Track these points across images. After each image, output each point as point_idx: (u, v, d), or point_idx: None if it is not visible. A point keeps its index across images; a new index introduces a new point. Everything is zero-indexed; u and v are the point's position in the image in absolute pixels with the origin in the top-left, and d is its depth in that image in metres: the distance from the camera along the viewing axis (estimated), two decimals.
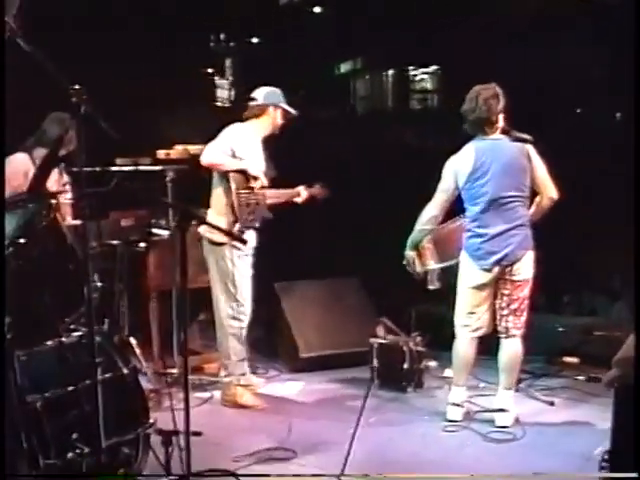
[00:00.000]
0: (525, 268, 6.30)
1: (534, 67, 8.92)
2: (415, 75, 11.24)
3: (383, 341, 7.51)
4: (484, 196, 6.23)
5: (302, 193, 7.26)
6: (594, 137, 9.04)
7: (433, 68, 11.07)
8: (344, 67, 11.55)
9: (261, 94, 6.98)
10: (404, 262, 6.59)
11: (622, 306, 8.77)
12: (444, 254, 6.56)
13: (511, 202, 6.23)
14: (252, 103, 6.99)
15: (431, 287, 6.64)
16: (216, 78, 10.78)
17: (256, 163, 6.88)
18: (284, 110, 6.98)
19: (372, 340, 7.50)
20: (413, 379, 7.34)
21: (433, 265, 6.60)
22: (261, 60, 10.27)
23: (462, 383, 6.52)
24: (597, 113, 9.55)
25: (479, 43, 9.23)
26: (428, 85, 11.21)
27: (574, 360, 8.00)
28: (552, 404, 6.94)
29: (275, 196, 7.05)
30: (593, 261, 8.71)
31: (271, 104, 6.94)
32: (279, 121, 6.99)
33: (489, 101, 6.20)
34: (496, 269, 6.27)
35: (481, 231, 6.26)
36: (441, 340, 6.95)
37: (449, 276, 6.47)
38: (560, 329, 8.36)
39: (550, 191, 6.32)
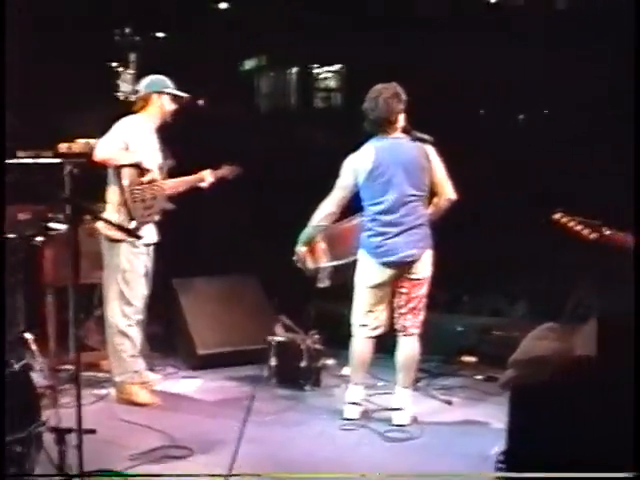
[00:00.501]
0: (424, 267, 6.33)
1: (438, 67, 8.98)
2: (319, 73, 11.24)
3: (281, 339, 7.49)
4: (383, 195, 6.23)
5: (207, 177, 7.16)
6: (496, 138, 9.14)
7: (337, 66, 11.08)
8: (248, 64, 11.50)
9: (143, 84, 6.92)
10: (294, 258, 6.56)
11: (521, 306, 8.88)
12: (337, 252, 6.56)
13: (410, 201, 6.25)
14: (137, 95, 6.93)
15: (321, 285, 6.62)
16: (120, 71, 10.64)
17: (151, 155, 6.80)
18: (173, 96, 6.90)
19: (270, 338, 7.48)
20: (311, 377, 7.33)
21: (325, 263, 6.59)
22: (166, 55, 10.17)
23: (360, 382, 6.52)
24: (501, 114, 9.65)
25: (383, 42, 9.26)
26: (332, 83, 11.21)
27: (472, 359, 8.07)
28: (450, 403, 6.98)
29: (176, 186, 6.96)
30: (493, 261, 8.78)
31: (153, 92, 6.87)
32: (168, 108, 6.89)
33: (389, 100, 6.22)
34: (395, 268, 6.29)
35: (381, 230, 6.26)
36: (339, 338, 6.93)
37: (347, 274, 6.46)
38: (459, 328, 8.42)
39: (448, 192, 6.36)
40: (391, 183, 6.23)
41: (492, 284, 10.75)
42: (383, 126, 6.28)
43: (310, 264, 6.57)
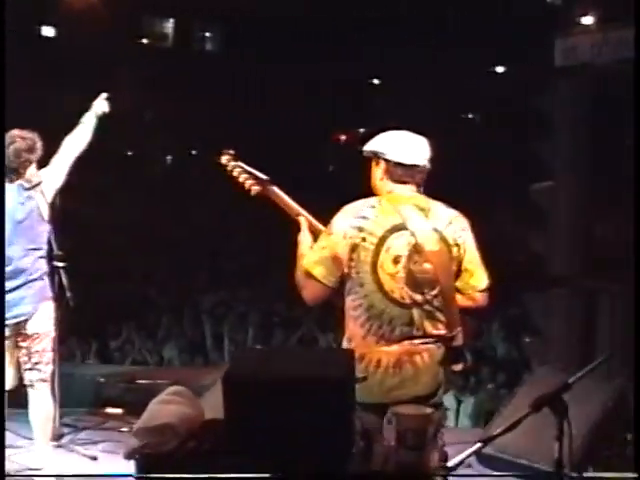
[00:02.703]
0: (40, 321, 6.11)
1: None
2: None
3: None
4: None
5: None
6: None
7: None
8: None
9: None
10: None
11: (168, 352, 8.70)
12: None
13: (24, 256, 6.05)
14: None
15: None
16: None
17: None
18: None
19: None
20: None
21: None
22: None
23: None
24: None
25: None
26: None
27: (117, 411, 7.77)
28: (95, 459, 6.63)
29: None
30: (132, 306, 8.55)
31: None
32: None
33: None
34: (12, 322, 6.02)
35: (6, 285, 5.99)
36: None
37: None
38: (101, 379, 8.15)
39: None
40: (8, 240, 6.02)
41: (136, 328, 10.52)
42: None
43: None
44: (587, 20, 11.12)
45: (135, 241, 18.23)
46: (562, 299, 8.63)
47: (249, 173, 5.07)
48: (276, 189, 5.06)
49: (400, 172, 4.75)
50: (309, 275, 4.71)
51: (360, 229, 4.64)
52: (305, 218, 5.00)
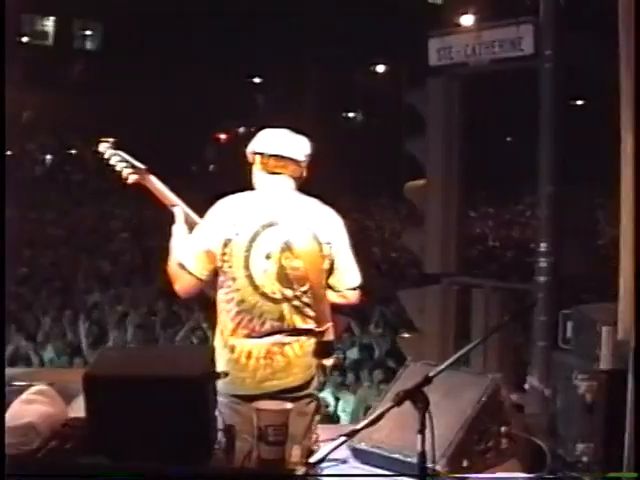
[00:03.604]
0: None
1: None
2: None
3: None
4: None
5: None
6: None
7: None
8: None
9: None
10: None
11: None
12: None
13: None
14: None
15: None
16: None
17: None
18: None
19: None
20: None
21: None
22: None
23: None
24: None
25: None
26: None
27: None
28: None
29: None
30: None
31: None
32: None
33: None
34: None
35: None
36: None
37: None
38: None
39: None
40: None
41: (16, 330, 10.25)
42: None
43: None
44: (462, 20, 11.31)
45: (13, 242, 17.81)
46: (437, 295, 8.75)
47: (127, 162, 5.02)
48: (153, 178, 5.03)
49: (273, 163, 4.79)
50: (182, 267, 4.72)
51: (233, 224, 4.66)
52: (181, 209, 4.99)
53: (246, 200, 4.77)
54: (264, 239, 4.69)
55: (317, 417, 4.96)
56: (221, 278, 4.74)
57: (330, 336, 4.82)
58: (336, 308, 4.90)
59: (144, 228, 21.88)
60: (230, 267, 4.69)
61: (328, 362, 4.91)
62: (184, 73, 30.34)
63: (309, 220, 4.76)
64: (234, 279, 4.70)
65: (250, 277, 4.69)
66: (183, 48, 29.97)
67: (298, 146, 4.85)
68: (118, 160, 5.02)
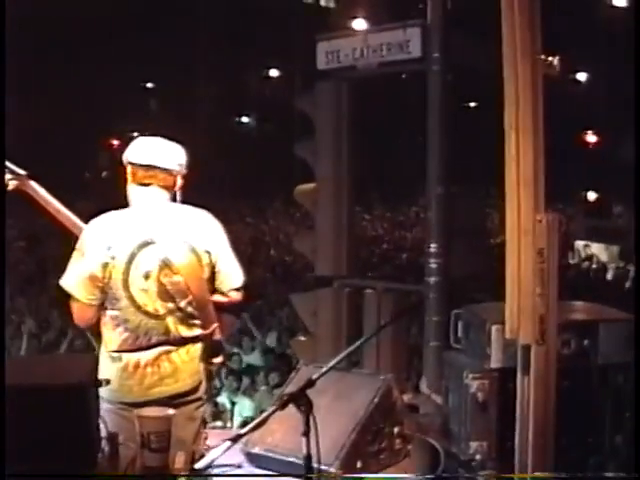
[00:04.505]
0: None
1: None
2: None
3: None
4: None
5: None
6: None
7: None
8: None
9: None
10: None
11: None
12: None
13: None
14: None
15: None
16: None
17: None
18: None
19: None
20: None
21: None
22: None
23: None
24: None
25: None
26: None
27: None
28: None
29: None
30: None
31: None
32: None
33: None
34: None
35: None
36: None
37: None
38: None
39: None
40: None
41: None
42: None
43: None
44: (352, 24, 11.34)
45: None
46: (329, 298, 8.75)
47: (5, 167, 4.87)
48: (34, 184, 4.91)
49: (142, 174, 4.73)
50: (72, 297, 4.67)
51: (109, 248, 4.59)
52: (65, 216, 4.89)
53: (119, 219, 4.68)
54: (141, 259, 4.63)
55: (207, 422, 4.95)
56: (107, 298, 4.67)
57: (217, 336, 4.81)
58: (222, 308, 4.89)
59: (39, 236, 21.52)
60: (111, 289, 4.64)
61: (217, 361, 4.91)
62: (74, 75, 29.91)
63: (185, 232, 4.71)
64: (117, 299, 4.65)
65: (131, 298, 4.64)
66: (74, 50, 29.57)
67: (169, 155, 4.75)
68: None
